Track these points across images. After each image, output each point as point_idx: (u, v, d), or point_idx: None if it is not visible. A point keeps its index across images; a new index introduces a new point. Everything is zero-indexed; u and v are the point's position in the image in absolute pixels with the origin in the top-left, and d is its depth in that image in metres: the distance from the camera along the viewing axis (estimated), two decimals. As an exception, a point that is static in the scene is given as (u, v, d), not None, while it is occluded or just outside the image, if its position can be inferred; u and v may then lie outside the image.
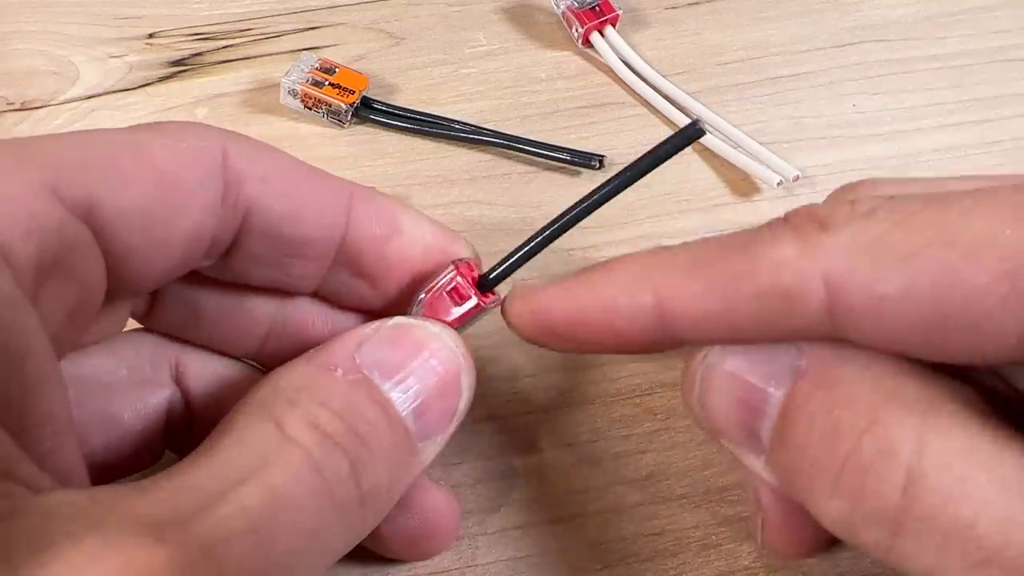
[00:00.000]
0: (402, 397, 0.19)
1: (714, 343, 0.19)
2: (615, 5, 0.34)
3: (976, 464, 0.15)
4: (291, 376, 0.19)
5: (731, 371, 0.18)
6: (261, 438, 0.17)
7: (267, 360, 0.23)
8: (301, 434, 0.17)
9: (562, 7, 0.35)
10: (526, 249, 0.22)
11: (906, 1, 0.37)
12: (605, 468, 0.26)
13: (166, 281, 0.19)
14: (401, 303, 0.22)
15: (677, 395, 0.27)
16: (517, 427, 0.26)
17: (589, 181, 0.32)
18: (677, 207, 0.31)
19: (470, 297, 0.21)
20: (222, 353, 0.23)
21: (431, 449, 0.20)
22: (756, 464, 0.19)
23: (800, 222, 0.17)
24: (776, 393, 0.18)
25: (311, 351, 0.20)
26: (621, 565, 0.24)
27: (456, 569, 0.24)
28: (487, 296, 0.22)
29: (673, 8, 0.37)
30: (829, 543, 0.21)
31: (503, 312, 0.21)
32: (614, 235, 0.30)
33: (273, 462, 0.16)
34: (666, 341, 0.19)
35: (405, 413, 0.19)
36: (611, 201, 0.25)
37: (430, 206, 0.31)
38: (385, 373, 0.19)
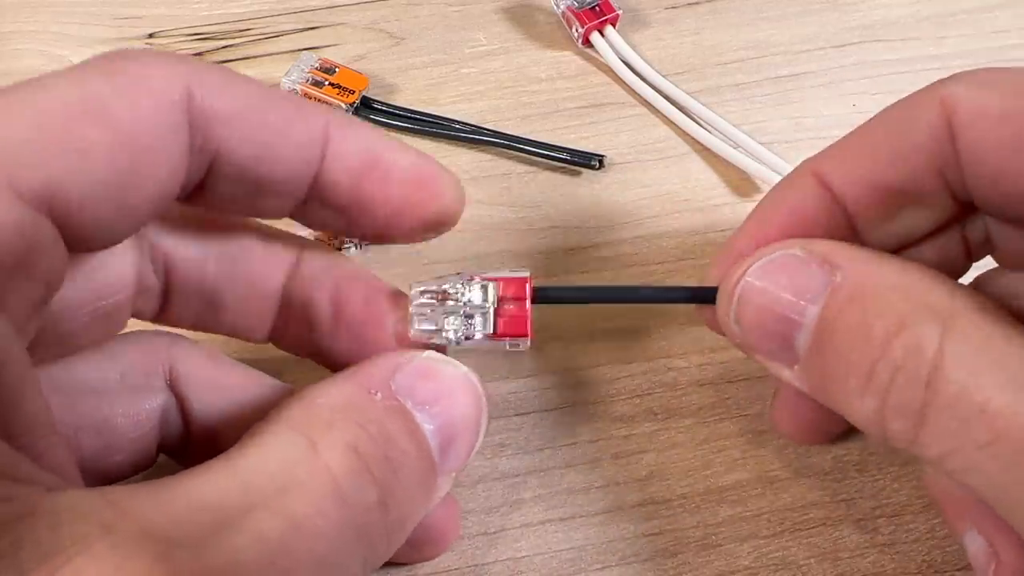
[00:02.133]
0: (432, 430, 0.19)
1: (863, 197, 0.21)
2: (615, 5, 0.34)
3: (989, 359, 0.17)
4: (329, 395, 0.19)
5: (768, 288, 0.20)
6: (289, 457, 0.17)
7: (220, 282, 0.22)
8: (335, 458, 0.17)
9: (562, 7, 0.35)
10: (587, 294, 0.24)
11: (906, 1, 0.37)
12: (605, 468, 0.26)
13: (132, 233, 0.19)
14: (378, 232, 0.21)
15: (677, 395, 0.27)
16: (517, 427, 0.26)
17: (589, 181, 0.32)
18: (677, 207, 0.31)
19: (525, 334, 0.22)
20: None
21: (445, 486, 0.20)
22: (787, 374, 0.20)
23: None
24: (812, 307, 0.19)
25: (346, 371, 0.20)
26: (621, 565, 0.24)
27: (457, 569, 0.24)
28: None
29: (673, 8, 0.37)
30: (830, 436, 0.26)
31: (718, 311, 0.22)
32: (615, 235, 0.30)
33: (298, 487, 0.16)
34: (833, 209, 0.21)
35: (433, 447, 0.19)
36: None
37: (430, 206, 0.31)
38: (418, 404, 0.19)
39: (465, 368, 0.21)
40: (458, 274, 0.22)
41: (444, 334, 0.21)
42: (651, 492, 0.25)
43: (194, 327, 0.22)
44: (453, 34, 0.35)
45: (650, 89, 0.33)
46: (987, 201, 0.20)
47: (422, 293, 0.21)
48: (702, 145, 0.32)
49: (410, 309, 0.21)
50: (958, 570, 0.24)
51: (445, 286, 0.21)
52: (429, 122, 0.32)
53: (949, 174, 0.20)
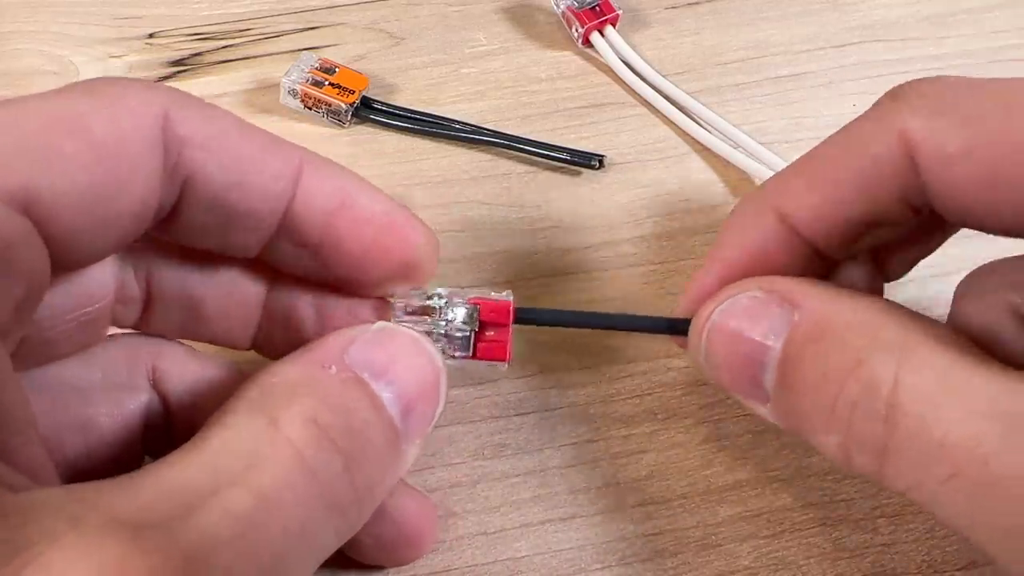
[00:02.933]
0: (391, 398, 0.19)
1: (829, 232, 0.21)
2: (615, 5, 0.34)
3: (946, 391, 0.17)
4: (285, 374, 0.19)
5: (733, 329, 0.20)
6: (252, 436, 0.17)
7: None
8: (295, 431, 0.17)
9: (562, 7, 0.35)
10: (566, 318, 0.25)
11: (906, 1, 0.37)
12: (605, 468, 0.26)
13: (112, 253, 0.19)
14: (348, 277, 0.21)
15: (677, 395, 0.27)
16: (517, 427, 0.26)
17: (589, 181, 0.32)
18: (677, 207, 0.31)
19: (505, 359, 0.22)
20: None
21: (413, 452, 0.20)
22: (762, 411, 0.20)
23: (880, 101, 0.20)
24: (775, 346, 0.19)
25: (299, 350, 0.20)
26: (621, 565, 0.24)
27: (456, 569, 0.24)
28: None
29: (673, 8, 0.37)
30: None
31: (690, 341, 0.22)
32: (614, 234, 0.30)
33: (263, 462, 0.16)
34: (797, 246, 0.21)
35: (394, 414, 0.19)
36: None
37: (430, 206, 0.31)
38: (374, 374, 0.19)
39: (417, 334, 0.21)
40: (439, 291, 0.22)
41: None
42: (651, 492, 0.25)
43: (175, 335, 0.22)
44: (453, 34, 0.35)
45: (650, 89, 0.33)
46: (958, 222, 0.20)
47: (404, 308, 0.22)
48: (702, 145, 0.32)
49: (391, 323, 0.21)
50: (958, 570, 0.24)
51: (428, 302, 0.22)
52: (429, 122, 0.32)
53: (914, 200, 0.20)
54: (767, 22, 0.36)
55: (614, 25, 0.35)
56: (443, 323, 0.22)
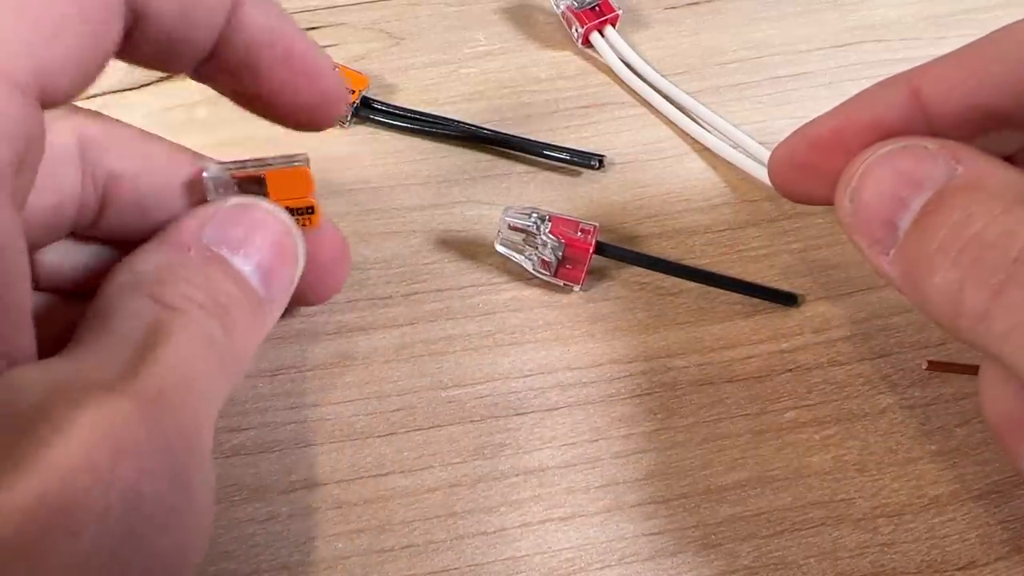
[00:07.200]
0: (251, 269, 0.21)
1: (953, 113, 0.21)
2: (615, 5, 0.34)
3: None
4: (148, 260, 0.20)
5: (895, 169, 0.21)
6: (147, 312, 0.19)
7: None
8: (180, 304, 0.19)
9: (562, 7, 0.35)
10: (642, 260, 0.29)
11: (906, 1, 0.37)
12: (605, 468, 0.26)
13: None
14: (262, 105, 0.22)
15: (677, 395, 0.27)
16: (517, 427, 0.26)
17: (589, 181, 0.32)
18: (677, 207, 0.31)
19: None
20: None
21: (277, 312, 0.22)
22: (882, 261, 0.22)
23: None
24: (925, 193, 0.20)
25: (157, 236, 0.21)
26: (621, 565, 0.24)
27: (456, 569, 0.24)
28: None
29: (673, 8, 0.37)
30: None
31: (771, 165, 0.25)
32: (615, 235, 0.30)
33: (170, 329, 0.18)
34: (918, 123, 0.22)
35: (255, 282, 0.21)
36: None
37: (430, 206, 0.31)
38: (232, 249, 0.21)
39: (269, 204, 0.22)
40: (534, 212, 0.28)
41: (519, 258, 0.28)
42: (651, 492, 0.25)
43: (126, 237, 0.22)
44: (453, 34, 0.35)
45: (650, 89, 0.33)
46: None
47: (511, 225, 0.28)
48: (702, 145, 0.32)
49: (499, 231, 0.28)
50: (957, 569, 0.24)
51: (528, 224, 0.28)
52: (429, 122, 0.32)
53: None
54: (767, 22, 0.36)
55: (614, 25, 0.35)
56: (537, 243, 0.28)
